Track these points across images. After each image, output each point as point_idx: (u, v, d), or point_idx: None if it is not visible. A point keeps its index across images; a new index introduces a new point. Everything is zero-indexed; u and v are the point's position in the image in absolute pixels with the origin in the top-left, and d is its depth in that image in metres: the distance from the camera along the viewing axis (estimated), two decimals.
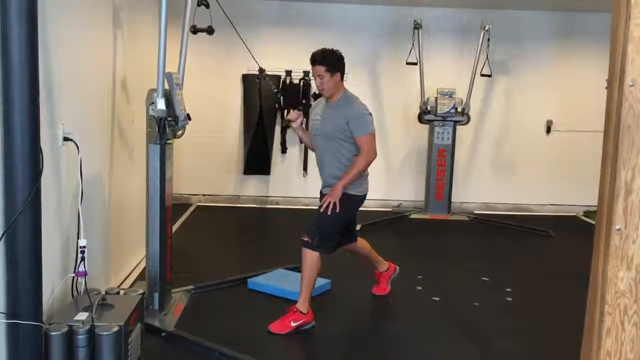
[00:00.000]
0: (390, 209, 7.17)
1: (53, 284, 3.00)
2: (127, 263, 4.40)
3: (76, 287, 3.10)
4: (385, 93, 7.24)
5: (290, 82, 7.02)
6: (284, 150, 7.22)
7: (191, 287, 4.12)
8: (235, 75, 7.08)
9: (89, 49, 3.54)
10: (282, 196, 7.32)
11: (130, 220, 4.35)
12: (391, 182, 7.37)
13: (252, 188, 7.35)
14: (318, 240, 3.57)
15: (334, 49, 3.69)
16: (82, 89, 3.41)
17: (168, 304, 3.74)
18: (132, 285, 4.15)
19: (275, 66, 6.82)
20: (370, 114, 3.73)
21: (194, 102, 7.05)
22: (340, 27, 6.99)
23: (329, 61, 3.62)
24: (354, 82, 6.97)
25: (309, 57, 3.66)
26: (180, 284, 4.13)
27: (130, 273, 4.40)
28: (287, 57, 6.96)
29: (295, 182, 7.28)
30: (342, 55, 3.69)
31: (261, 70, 4.96)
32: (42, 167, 2.51)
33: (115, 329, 2.70)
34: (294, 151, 7.28)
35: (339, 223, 3.68)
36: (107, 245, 3.90)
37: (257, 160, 7.12)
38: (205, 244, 5.63)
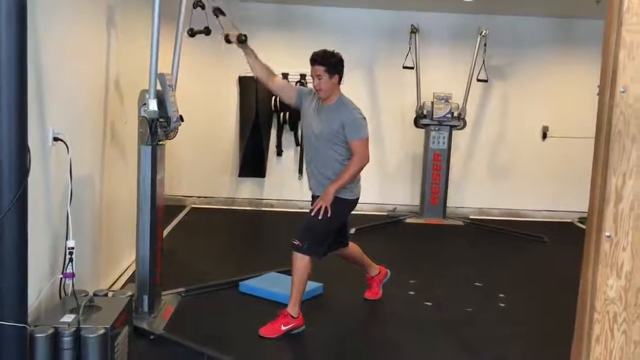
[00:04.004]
0: (385, 213, 7.14)
1: (40, 285, 2.97)
2: (119, 265, 4.37)
3: (64, 289, 3.07)
4: (382, 97, 7.22)
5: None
6: (279, 153, 7.20)
7: (182, 289, 4.10)
8: (231, 77, 7.06)
9: (81, 48, 3.52)
10: (277, 199, 7.30)
11: (122, 222, 4.32)
12: (386, 186, 7.35)
13: (247, 190, 7.33)
14: (308, 244, 3.54)
15: (336, 51, 3.68)
16: (73, 90, 3.39)
17: (158, 306, 3.70)
18: (122, 287, 4.12)
19: (272, 69, 6.78)
20: (365, 118, 3.71)
21: (190, 104, 7.04)
22: (337, 30, 6.97)
23: (330, 62, 3.61)
24: (350, 85, 6.91)
25: (308, 58, 3.65)
26: (172, 286, 4.10)
27: (122, 275, 4.37)
28: (284, 60, 6.91)
29: (291, 185, 7.25)
30: (342, 59, 3.68)
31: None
32: (30, 166, 2.48)
33: (101, 331, 2.66)
34: (290, 154, 7.26)
35: (331, 227, 3.65)
36: (97, 246, 3.87)
37: (252, 163, 7.08)
38: (198, 246, 5.61)
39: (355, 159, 3.60)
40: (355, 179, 3.69)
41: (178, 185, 7.17)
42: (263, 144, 7.05)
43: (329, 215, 3.55)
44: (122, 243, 4.35)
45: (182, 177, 7.19)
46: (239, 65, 6.80)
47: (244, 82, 7.03)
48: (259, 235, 6.48)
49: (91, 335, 2.63)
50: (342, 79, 3.69)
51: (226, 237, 6.13)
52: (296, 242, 3.56)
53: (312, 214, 3.58)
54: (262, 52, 6.72)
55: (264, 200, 7.33)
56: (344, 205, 3.67)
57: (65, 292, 3.06)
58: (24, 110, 2.42)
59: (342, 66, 3.66)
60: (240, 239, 6.17)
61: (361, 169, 3.66)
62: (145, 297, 3.57)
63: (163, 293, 3.90)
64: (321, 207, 3.56)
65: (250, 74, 6.82)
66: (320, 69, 3.57)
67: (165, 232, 5.85)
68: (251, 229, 6.66)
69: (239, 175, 7.14)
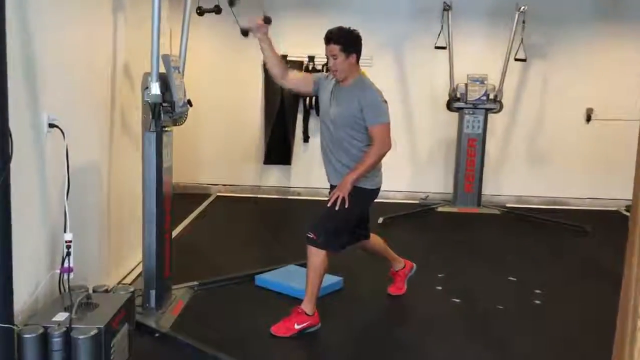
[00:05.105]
0: (416, 202, 6.81)
1: (37, 281, 2.82)
2: (131, 258, 4.18)
3: (63, 284, 2.90)
4: (412, 79, 6.88)
5: (313, 68, 6.72)
6: (306, 139, 6.96)
7: (195, 283, 3.90)
8: (256, 61, 6.81)
9: (84, 30, 3.32)
10: (303, 187, 7.05)
11: (134, 213, 4.13)
12: (418, 173, 7.03)
13: (273, 178, 7.12)
14: (325, 237, 3.29)
15: (352, 28, 3.41)
16: (74, 73, 3.20)
17: (167, 301, 3.52)
18: (133, 281, 3.95)
19: (297, 52, 6.58)
20: (386, 101, 3.43)
21: (214, 90, 6.91)
22: (366, 9, 6.64)
23: (345, 40, 3.34)
24: (379, 67, 6.67)
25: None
26: (187, 279, 3.92)
27: (134, 268, 4.18)
28: (310, 43, 6.64)
29: (318, 172, 6.84)
30: (359, 36, 3.41)
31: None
32: (12, 152, 2.30)
33: (93, 332, 2.48)
34: (317, 140, 6.95)
35: (349, 219, 3.39)
36: (105, 238, 3.71)
37: (278, 150, 6.87)
38: (220, 236, 5.43)
39: (375, 146, 3.33)
40: (375, 167, 3.41)
41: (203, 173, 7.03)
42: (289, 130, 6.82)
43: (346, 206, 3.29)
44: (135, 235, 4.17)
45: (206, 165, 7.05)
46: None
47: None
48: (284, 224, 6.24)
49: (81, 337, 2.46)
50: (370, 59, 3.41)
51: (250, 227, 5.93)
52: (311, 235, 3.31)
53: (329, 205, 3.33)
54: (284, 35, 6.60)
55: (291, 188, 7.10)
56: (363, 195, 3.40)
57: (64, 287, 2.90)
58: (4, 93, 2.24)
59: (360, 44, 3.38)
60: (265, 228, 5.95)
61: (382, 157, 3.37)
62: (152, 292, 3.39)
63: (174, 287, 3.73)
64: (338, 197, 3.30)
65: None
66: (336, 48, 3.30)
67: (187, 222, 5.75)
68: (276, 218, 6.44)
69: (264, 163, 6.94)
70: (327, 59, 3.38)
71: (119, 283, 3.84)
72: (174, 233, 5.30)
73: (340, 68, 3.33)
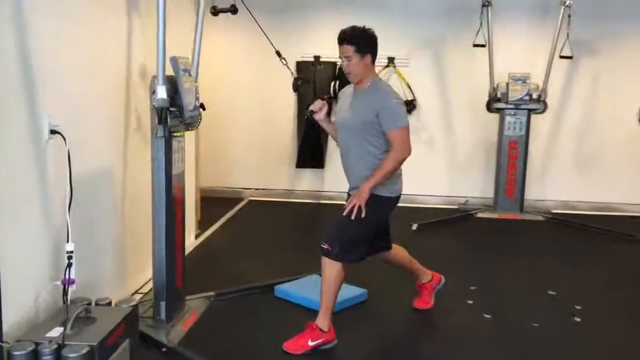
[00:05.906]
0: (455, 207, 6.51)
1: (38, 293, 2.73)
2: (147, 268, 4.08)
3: (65, 296, 2.80)
4: (450, 79, 6.60)
5: None
6: None
7: (211, 293, 3.77)
8: (288, 61, 6.66)
9: (93, 32, 3.22)
10: (337, 191, 6.83)
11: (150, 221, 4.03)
12: (456, 177, 6.72)
13: (306, 182, 6.96)
14: (339, 248, 3.09)
15: (367, 27, 3.20)
16: (82, 77, 3.10)
17: (179, 313, 3.39)
18: (149, 292, 3.83)
19: (330, 53, 6.39)
20: (404, 104, 3.22)
21: (247, 93, 6.81)
22: (401, 8, 6.41)
23: (359, 40, 3.13)
24: (416, 68, 6.47)
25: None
26: (208, 288, 3.79)
27: (151, 279, 4.09)
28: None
29: None
30: (375, 35, 3.20)
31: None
32: None
33: (85, 350, 2.35)
34: None
35: (366, 229, 3.18)
36: (120, 248, 3.62)
37: (310, 153, 6.72)
38: (248, 241, 5.29)
39: (393, 152, 3.11)
40: (394, 174, 3.19)
41: (235, 177, 6.95)
42: (321, 132, 6.62)
43: (363, 216, 3.09)
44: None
45: (239, 169, 6.97)
46: (296, 50, 6.47)
47: (301, 67, 6.63)
48: (316, 229, 6.03)
49: (72, 355, 2.33)
50: (376, 59, 3.21)
51: (280, 232, 5.77)
52: (325, 246, 3.12)
53: (344, 213, 3.13)
54: (320, 35, 6.43)
55: (324, 193, 6.93)
56: (381, 203, 3.19)
57: (66, 299, 2.80)
58: None
59: (376, 44, 3.17)
60: (295, 234, 5.78)
61: (401, 162, 3.16)
62: (162, 304, 3.26)
63: (190, 297, 3.61)
64: (355, 206, 3.10)
65: (308, 59, 6.60)
66: (350, 49, 3.10)
67: (216, 226, 5.65)
68: (308, 223, 6.27)
69: (297, 166, 6.80)
70: (341, 60, 3.19)
71: (133, 294, 3.74)
72: (203, 237, 5.24)
73: (355, 70, 3.14)
